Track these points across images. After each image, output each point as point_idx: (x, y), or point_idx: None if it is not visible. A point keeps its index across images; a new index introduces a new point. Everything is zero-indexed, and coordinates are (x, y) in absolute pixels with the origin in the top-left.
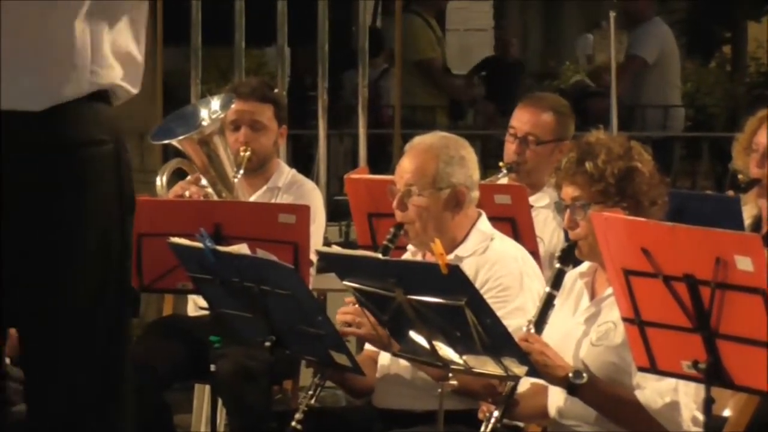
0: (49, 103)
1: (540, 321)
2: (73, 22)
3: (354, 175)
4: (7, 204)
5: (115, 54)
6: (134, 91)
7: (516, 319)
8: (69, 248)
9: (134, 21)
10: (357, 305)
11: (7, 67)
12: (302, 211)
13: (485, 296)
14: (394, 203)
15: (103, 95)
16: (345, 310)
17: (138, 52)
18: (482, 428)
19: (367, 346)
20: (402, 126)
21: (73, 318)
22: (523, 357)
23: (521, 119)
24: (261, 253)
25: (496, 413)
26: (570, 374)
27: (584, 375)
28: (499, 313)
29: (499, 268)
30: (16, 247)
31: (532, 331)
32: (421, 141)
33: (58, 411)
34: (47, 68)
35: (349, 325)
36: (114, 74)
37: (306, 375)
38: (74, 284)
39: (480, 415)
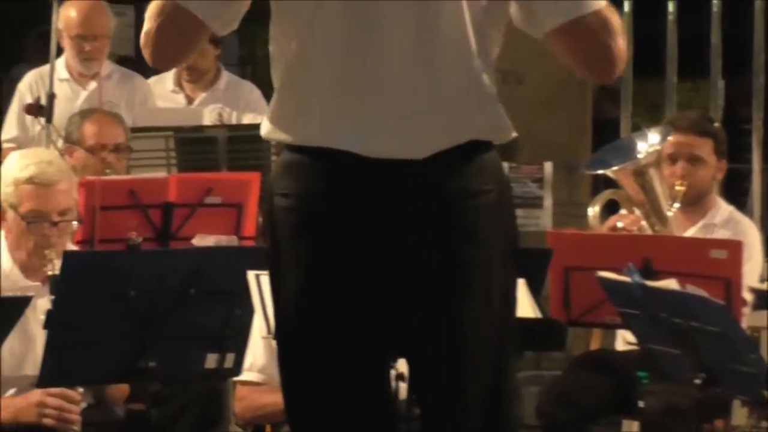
0: (432, 152)
1: None
2: (472, 62)
3: None
4: (396, 251)
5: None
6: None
7: None
8: (452, 298)
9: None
10: None
11: (402, 115)
12: (734, 247)
13: None
14: None
15: (486, 142)
16: None
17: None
18: None
19: None
20: None
21: (461, 360)
22: None
23: None
24: (691, 289)
25: None
26: None
27: None
28: None
29: None
30: (405, 295)
31: None
32: None
33: None
34: (438, 115)
35: None
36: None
37: (739, 414)
38: (461, 335)
39: None
